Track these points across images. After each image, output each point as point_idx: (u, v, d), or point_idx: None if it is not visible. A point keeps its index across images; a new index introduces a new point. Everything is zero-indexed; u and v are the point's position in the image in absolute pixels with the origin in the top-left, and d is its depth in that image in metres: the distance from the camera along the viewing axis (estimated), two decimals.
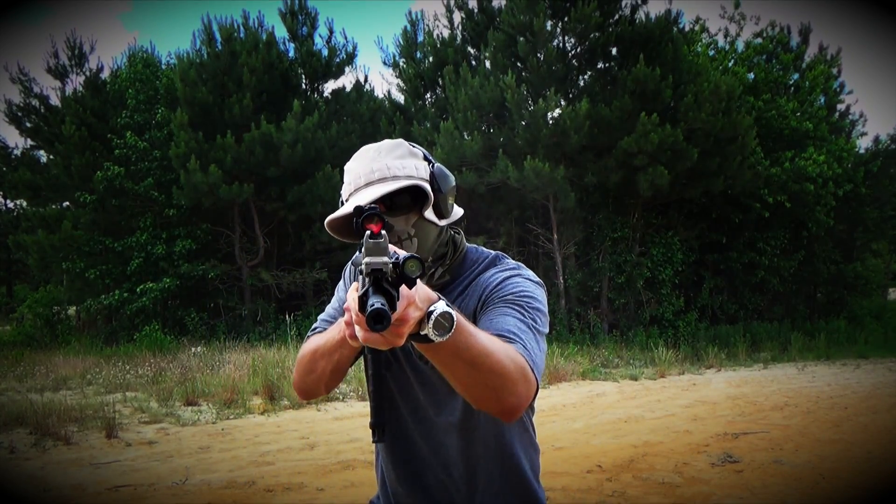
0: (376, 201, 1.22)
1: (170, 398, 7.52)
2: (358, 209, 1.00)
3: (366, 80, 17.26)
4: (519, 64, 14.23)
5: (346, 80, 34.25)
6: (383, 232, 0.91)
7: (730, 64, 17.70)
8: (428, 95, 16.70)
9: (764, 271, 16.65)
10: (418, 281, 0.91)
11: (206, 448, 5.59)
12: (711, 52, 18.18)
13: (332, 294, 1.50)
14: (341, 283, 1.49)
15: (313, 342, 1.30)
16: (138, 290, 14.44)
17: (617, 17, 14.42)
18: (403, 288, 0.88)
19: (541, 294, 1.29)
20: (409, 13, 34.41)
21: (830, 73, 18.50)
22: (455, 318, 0.95)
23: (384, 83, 57.63)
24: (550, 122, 13.49)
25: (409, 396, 1.37)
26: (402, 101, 17.00)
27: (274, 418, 6.87)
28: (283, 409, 7.28)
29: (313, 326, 1.44)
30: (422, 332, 0.94)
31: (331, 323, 1.38)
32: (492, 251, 1.40)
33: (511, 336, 1.15)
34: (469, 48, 16.14)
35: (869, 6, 25.05)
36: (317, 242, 15.25)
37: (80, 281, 15.55)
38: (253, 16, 15.64)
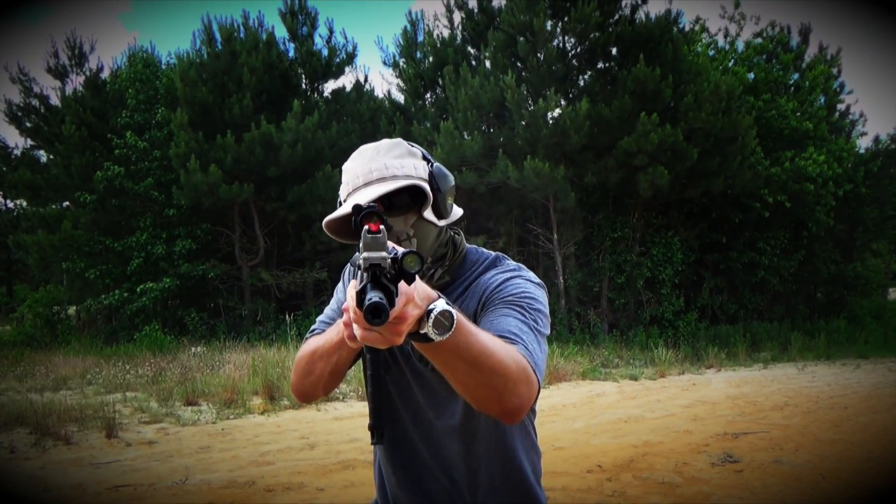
0: (375, 201, 1.20)
1: (170, 398, 7.52)
2: (356, 207, 0.98)
3: (366, 80, 17.29)
4: (519, 64, 14.23)
5: (346, 80, 34.29)
6: (382, 227, 0.90)
7: (730, 64, 17.71)
8: (428, 95, 16.71)
9: (764, 271, 16.66)
10: (417, 279, 0.90)
11: (206, 448, 5.59)
12: (711, 52, 18.18)
13: (332, 294, 1.49)
14: (340, 284, 1.47)
15: (311, 344, 1.29)
16: (138, 290, 14.44)
17: (617, 16, 14.42)
18: (402, 284, 0.87)
19: (542, 295, 1.28)
20: (409, 13, 34.47)
21: (830, 73, 18.51)
22: (455, 317, 0.94)
23: (384, 83, 57.74)
24: (550, 121, 13.49)
25: (408, 400, 1.35)
26: (402, 101, 17.00)
27: (274, 418, 6.87)
28: (283, 408, 7.28)
29: (311, 328, 1.42)
30: (421, 331, 0.93)
31: (329, 325, 1.36)
32: (492, 252, 1.39)
33: (512, 337, 1.13)
34: (469, 48, 16.14)
35: (869, 6, 25.06)
36: (317, 242, 15.26)
37: (80, 281, 15.56)
38: (253, 16, 15.69)
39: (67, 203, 16.61)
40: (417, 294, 0.90)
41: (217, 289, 15.37)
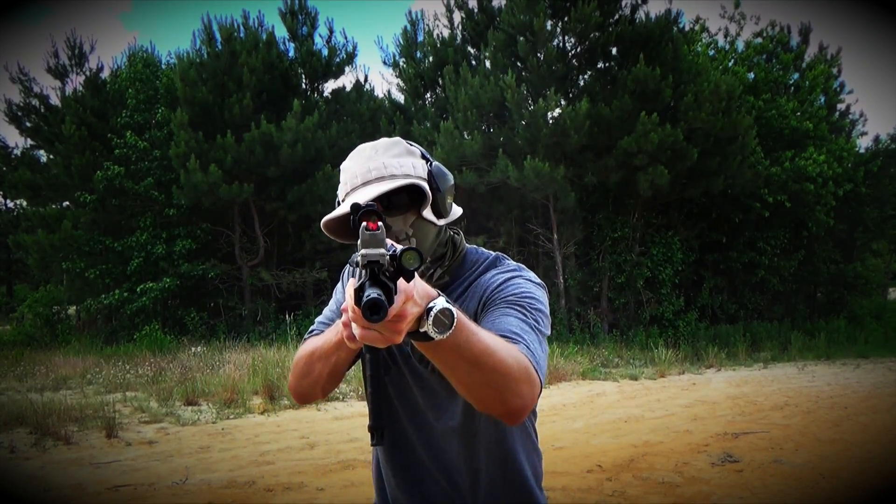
0: (373, 200, 1.19)
1: (170, 398, 7.52)
2: (355, 206, 0.97)
3: (366, 80, 17.30)
4: (519, 64, 14.22)
5: (346, 80, 34.26)
6: (380, 224, 0.89)
7: (730, 64, 17.71)
8: (428, 95, 16.71)
9: (764, 271, 16.66)
10: (417, 277, 0.89)
11: (206, 448, 5.59)
12: (711, 52, 18.18)
13: (332, 294, 1.47)
14: (339, 285, 1.45)
15: (310, 345, 1.27)
16: (138, 289, 14.44)
17: (617, 16, 14.42)
18: (401, 282, 0.86)
19: (542, 295, 1.26)
20: (409, 13, 34.43)
21: (830, 73, 18.51)
22: (455, 315, 0.93)
23: (384, 83, 57.78)
24: (550, 121, 13.49)
25: (407, 401, 1.34)
26: (402, 101, 17.01)
27: (274, 418, 6.87)
28: (283, 408, 7.28)
29: (310, 329, 1.40)
30: (421, 330, 0.92)
31: (328, 325, 1.34)
32: (492, 252, 1.37)
33: (513, 337, 1.12)
34: (469, 48, 16.14)
35: (869, 6, 25.06)
36: (317, 242, 15.26)
37: (80, 281, 15.56)
38: (253, 16, 15.69)
39: (67, 203, 16.61)
40: (417, 292, 0.89)
41: (217, 289, 15.37)
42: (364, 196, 1.20)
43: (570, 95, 14.58)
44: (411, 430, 1.34)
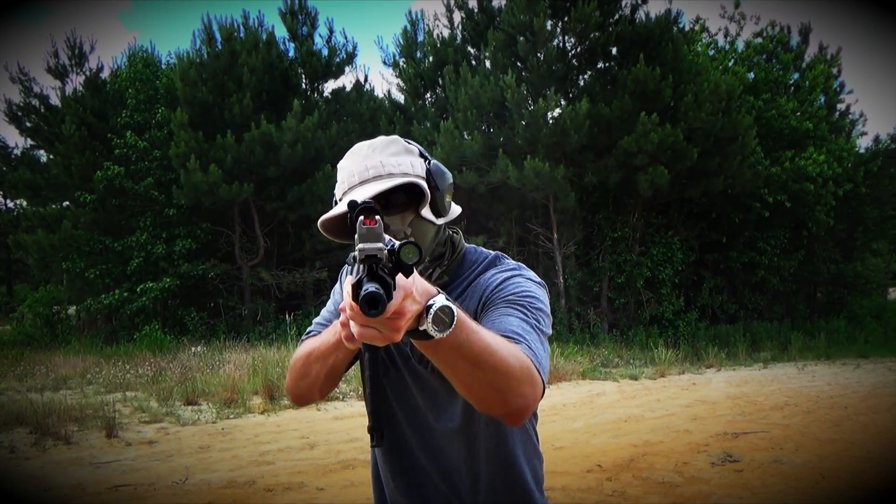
0: (371, 199, 1.17)
1: (170, 398, 7.52)
2: (352, 203, 0.93)
3: (366, 80, 17.31)
4: (519, 63, 14.22)
5: (346, 80, 34.34)
6: (378, 218, 0.86)
7: (730, 63, 17.71)
8: (428, 95, 16.71)
9: (764, 271, 16.66)
10: (416, 274, 0.87)
11: (206, 448, 5.59)
12: (711, 52, 18.18)
13: (331, 294, 1.45)
14: (337, 285, 1.43)
15: (307, 345, 1.26)
16: (138, 289, 14.45)
17: (617, 16, 14.42)
18: (400, 278, 0.84)
19: (543, 294, 1.25)
20: (409, 13, 34.43)
21: (830, 73, 18.50)
22: (455, 313, 0.91)
23: (384, 83, 57.78)
24: (550, 121, 13.49)
25: (407, 402, 1.32)
26: (402, 101, 17.01)
27: (274, 418, 6.87)
28: (283, 408, 7.27)
29: (308, 330, 1.39)
30: (421, 328, 0.90)
31: (326, 327, 1.31)
32: (491, 251, 1.35)
33: (515, 337, 1.10)
34: (469, 48, 16.14)
35: (869, 6, 25.06)
36: (317, 242, 15.26)
37: (80, 280, 15.56)
38: (253, 15, 15.68)
39: (67, 203, 16.62)
40: (416, 289, 0.87)
41: (217, 288, 15.38)
42: (361, 195, 1.17)
43: (570, 95, 14.58)
44: (410, 432, 1.32)
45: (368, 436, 1.16)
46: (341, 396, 7.79)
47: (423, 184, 1.23)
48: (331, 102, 16.25)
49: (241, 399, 7.39)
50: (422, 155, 1.28)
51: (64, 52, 16.32)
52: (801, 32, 18.89)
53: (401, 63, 16.93)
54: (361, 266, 0.84)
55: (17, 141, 33.66)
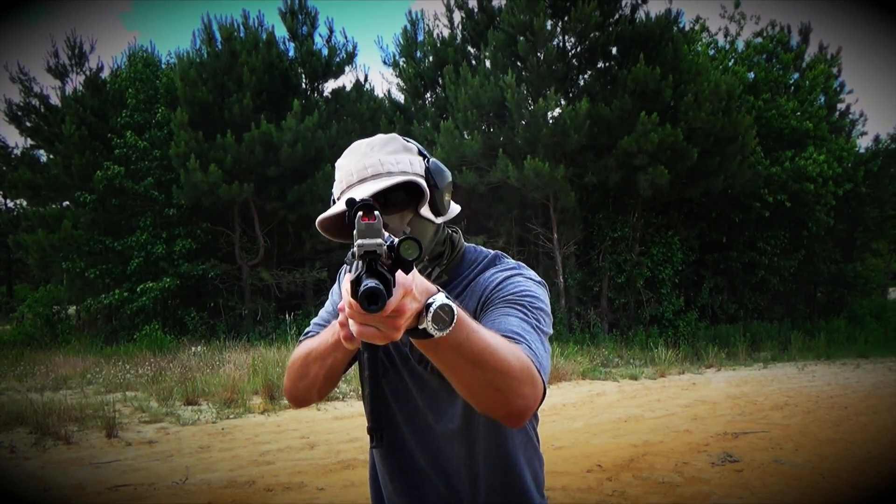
0: (369, 197, 1.17)
1: (170, 398, 7.52)
2: (350, 201, 0.92)
3: (366, 80, 17.33)
4: (519, 63, 14.22)
5: (346, 80, 34.34)
6: (377, 213, 0.85)
7: (730, 63, 17.71)
8: (428, 95, 16.70)
9: (764, 271, 16.66)
10: (416, 272, 0.86)
11: (206, 447, 5.59)
12: (711, 52, 18.18)
13: (329, 295, 1.45)
14: (335, 286, 1.43)
15: (305, 346, 1.25)
16: (138, 289, 14.45)
17: (617, 16, 14.42)
18: (400, 275, 0.83)
19: (543, 294, 1.24)
20: (409, 13, 34.44)
21: (830, 73, 18.50)
22: (456, 312, 0.90)
23: (384, 83, 57.83)
24: (550, 121, 13.49)
25: (406, 403, 1.31)
26: (402, 101, 17.01)
27: (274, 418, 6.86)
28: (283, 408, 7.27)
29: (306, 331, 1.38)
30: (420, 327, 0.89)
31: (324, 327, 1.30)
32: (491, 250, 1.34)
33: (515, 337, 1.09)
34: (469, 48, 16.13)
35: (869, 6, 25.06)
36: (317, 242, 15.26)
37: (80, 280, 15.57)
38: (253, 15, 15.68)
39: (67, 203, 16.62)
40: (416, 287, 0.86)
41: (217, 288, 15.38)
42: (360, 194, 1.16)
43: (570, 95, 14.58)
44: (409, 433, 1.31)
45: (368, 436, 1.15)
46: (341, 396, 7.79)
47: (423, 182, 1.22)
48: (331, 102, 16.25)
49: (241, 399, 7.39)
50: (420, 153, 1.27)
51: (64, 52, 16.35)
52: (801, 32, 18.91)
53: (401, 63, 16.93)
54: (360, 262, 0.83)
55: (17, 141, 33.77)
